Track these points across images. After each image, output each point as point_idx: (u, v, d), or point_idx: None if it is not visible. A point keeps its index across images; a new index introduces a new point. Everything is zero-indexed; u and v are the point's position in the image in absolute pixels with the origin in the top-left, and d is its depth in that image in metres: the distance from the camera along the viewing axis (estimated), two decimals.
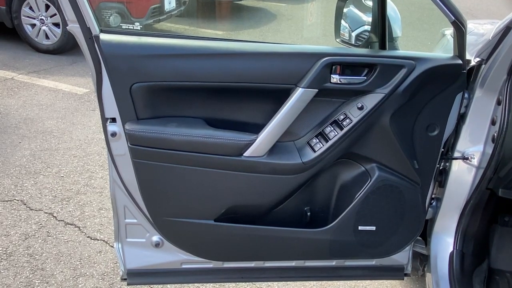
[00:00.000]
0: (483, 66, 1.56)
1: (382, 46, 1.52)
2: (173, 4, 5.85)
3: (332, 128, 1.50)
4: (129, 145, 1.45)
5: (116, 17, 5.32)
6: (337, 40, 1.79)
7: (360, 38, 1.88)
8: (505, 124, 1.49)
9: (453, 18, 1.39)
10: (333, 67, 1.44)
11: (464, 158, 1.63)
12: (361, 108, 1.46)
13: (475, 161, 1.64)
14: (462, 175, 1.68)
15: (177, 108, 1.48)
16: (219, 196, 1.52)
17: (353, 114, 1.47)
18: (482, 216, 1.75)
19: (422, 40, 6.72)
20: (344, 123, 1.48)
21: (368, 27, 1.85)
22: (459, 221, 1.73)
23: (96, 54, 1.38)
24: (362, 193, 1.56)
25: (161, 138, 1.43)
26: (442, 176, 1.71)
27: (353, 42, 1.88)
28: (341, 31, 1.91)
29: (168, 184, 1.50)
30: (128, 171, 1.52)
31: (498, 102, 1.56)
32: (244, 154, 1.47)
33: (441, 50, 2.49)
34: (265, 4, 8.48)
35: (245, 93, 1.49)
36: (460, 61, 1.46)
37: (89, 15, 1.35)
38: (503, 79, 1.53)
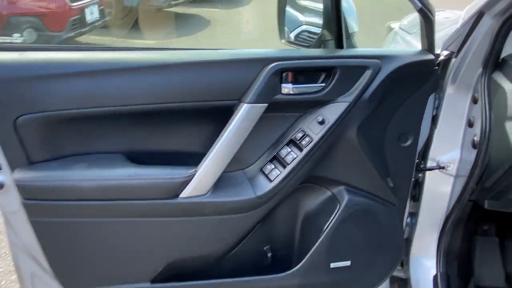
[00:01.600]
0: (453, 59, 1.35)
1: (339, 45, 1.27)
2: (96, 15, 5.36)
3: (290, 150, 1.21)
4: (22, 200, 1.07)
5: (31, 32, 4.76)
6: (283, 41, 1.53)
7: (300, 39, 1.65)
8: (487, 126, 1.28)
9: (420, 5, 1.16)
10: (284, 74, 1.16)
11: (440, 168, 1.41)
12: (322, 123, 1.19)
13: (452, 170, 1.42)
14: (439, 187, 1.47)
15: (85, 142, 1.13)
16: (154, 251, 1.18)
17: (313, 130, 1.19)
18: (464, 231, 1.54)
19: (357, 37, 6.68)
20: (304, 142, 1.19)
21: (306, 27, 1.64)
22: (440, 239, 1.51)
23: None
24: (332, 223, 1.29)
25: (66, 186, 1.06)
26: (416, 189, 1.48)
27: (297, 42, 1.63)
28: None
29: (83, 245, 1.14)
30: (28, 231, 1.14)
31: (474, 100, 1.35)
32: (181, 195, 1.14)
33: (391, 46, 2.30)
34: (197, 11, 8.15)
35: (176, 115, 1.17)
36: (431, 56, 1.23)
37: None
38: (478, 73, 1.32)
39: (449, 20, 1.37)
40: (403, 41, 2.09)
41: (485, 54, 1.29)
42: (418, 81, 1.25)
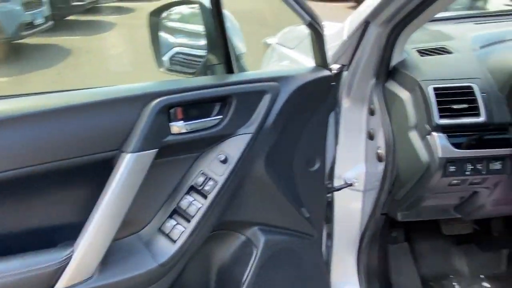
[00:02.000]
0: (345, 73, 1.29)
1: (229, 69, 1.11)
2: None
3: (192, 199, 1.01)
4: None
5: None
6: (161, 69, 1.32)
7: (175, 62, 1.49)
8: (390, 138, 1.23)
9: (309, 19, 1.06)
10: (171, 110, 0.96)
11: (348, 185, 1.34)
12: (225, 161, 1.01)
13: (360, 185, 1.37)
14: (349, 204, 1.40)
15: None
16: None
17: (216, 171, 1.01)
18: (379, 245, 1.50)
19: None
20: (207, 187, 1.01)
21: (180, 49, 1.49)
22: (358, 259, 1.44)
23: None
24: (251, 271, 1.12)
25: None
26: (327, 211, 1.39)
27: (176, 69, 1.45)
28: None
29: None
30: None
31: (371, 112, 1.31)
32: (56, 287, 0.86)
33: (271, 63, 2.24)
34: (54, 40, 7.42)
35: (37, 181, 0.89)
36: (328, 72, 1.14)
37: None
38: (371, 84, 1.28)
39: (335, 32, 1.32)
40: (284, 57, 2.04)
41: (375, 64, 1.25)
42: (318, 99, 1.15)
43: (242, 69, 1.16)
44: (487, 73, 1.17)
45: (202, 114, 1.00)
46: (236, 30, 1.14)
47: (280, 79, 1.07)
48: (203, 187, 1.01)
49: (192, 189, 1.02)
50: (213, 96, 1.00)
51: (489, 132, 1.12)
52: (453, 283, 1.65)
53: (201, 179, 1.01)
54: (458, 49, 1.28)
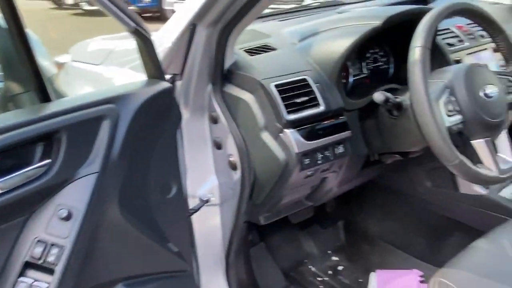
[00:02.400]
0: (178, 82, 1.17)
1: (44, 97, 0.84)
2: None
3: (32, 280, 0.74)
4: None
5: None
6: None
7: None
8: (241, 143, 1.17)
9: (135, 25, 0.91)
10: None
11: (205, 202, 1.23)
12: (68, 217, 0.77)
13: (215, 199, 1.28)
14: (208, 222, 1.30)
15: None
16: None
17: (59, 233, 0.77)
18: (245, 255, 1.43)
19: None
20: (51, 258, 0.75)
21: None
22: (228, 275, 1.36)
23: None
24: None
25: None
26: None
27: None
28: None
29: None
30: None
31: (213, 120, 1.22)
32: None
33: (73, 83, 1.93)
34: None
35: None
36: (167, 84, 1.00)
37: None
38: (208, 90, 1.19)
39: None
40: (88, 75, 1.76)
41: (209, 68, 1.16)
42: (163, 116, 1.00)
43: (60, 95, 0.91)
44: (314, 64, 1.21)
45: (20, 163, 0.73)
46: (40, 47, 0.87)
47: (116, 100, 0.87)
48: (45, 260, 0.74)
49: (29, 266, 0.74)
50: (33, 136, 0.74)
51: (329, 119, 1.17)
52: (309, 267, 1.72)
53: (39, 250, 0.74)
54: (280, 45, 1.30)
